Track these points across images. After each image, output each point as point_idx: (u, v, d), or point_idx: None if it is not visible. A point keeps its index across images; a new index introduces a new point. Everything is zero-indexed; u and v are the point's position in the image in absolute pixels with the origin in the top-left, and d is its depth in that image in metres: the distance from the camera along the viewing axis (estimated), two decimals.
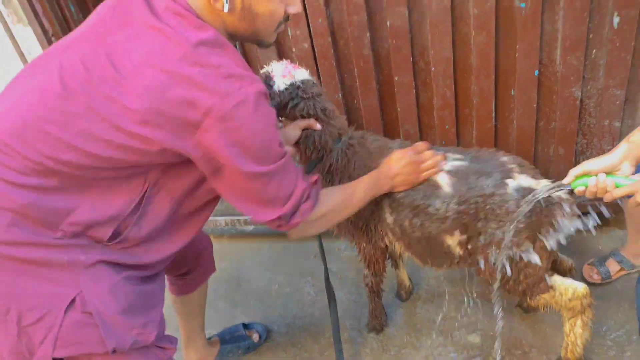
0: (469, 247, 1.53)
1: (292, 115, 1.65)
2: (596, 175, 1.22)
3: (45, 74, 1.10)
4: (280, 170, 1.17)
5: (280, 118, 1.68)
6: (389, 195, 1.59)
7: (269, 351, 2.13)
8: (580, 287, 1.54)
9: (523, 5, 1.71)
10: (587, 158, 2.03)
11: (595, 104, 1.90)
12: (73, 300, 1.12)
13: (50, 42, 2.12)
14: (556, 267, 1.76)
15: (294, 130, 1.64)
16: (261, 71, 1.65)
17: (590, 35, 1.76)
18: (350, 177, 1.61)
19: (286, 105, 1.63)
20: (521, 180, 1.46)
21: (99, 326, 1.14)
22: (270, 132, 1.14)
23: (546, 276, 1.55)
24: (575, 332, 1.60)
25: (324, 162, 1.66)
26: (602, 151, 1.97)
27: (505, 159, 1.53)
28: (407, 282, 2.16)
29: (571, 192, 1.29)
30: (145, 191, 1.17)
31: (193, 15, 1.08)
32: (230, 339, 2.15)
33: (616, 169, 1.22)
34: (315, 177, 1.32)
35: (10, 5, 2.06)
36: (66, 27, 2.16)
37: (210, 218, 1.57)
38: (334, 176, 1.66)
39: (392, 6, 1.80)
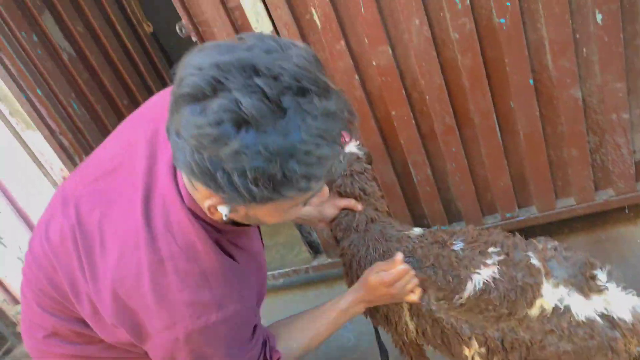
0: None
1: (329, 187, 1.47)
2: None
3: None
4: None
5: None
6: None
7: None
8: None
9: (503, 20, 1.71)
10: (603, 155, 2.00)
11: (598, 100, 1.86)
12: None
13: (59, 142, 2.22)
14: None
15: (330, 208, 1.52)
16: None
17: (577, 36, 1.74)
18: (366, 266, 1.42)
19: None
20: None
21: None
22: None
23: None
24: None
25: (344, 242, 1.51)
26: (616, 146, 1.92)
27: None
28: None
29: None
30: None
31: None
32: None
33: None
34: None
35: (17, 114, 2.17)
36: (72, 124, 2.27)
37: None
38: (352, 261, 1.49)
39: (375, 46, 1.82)
